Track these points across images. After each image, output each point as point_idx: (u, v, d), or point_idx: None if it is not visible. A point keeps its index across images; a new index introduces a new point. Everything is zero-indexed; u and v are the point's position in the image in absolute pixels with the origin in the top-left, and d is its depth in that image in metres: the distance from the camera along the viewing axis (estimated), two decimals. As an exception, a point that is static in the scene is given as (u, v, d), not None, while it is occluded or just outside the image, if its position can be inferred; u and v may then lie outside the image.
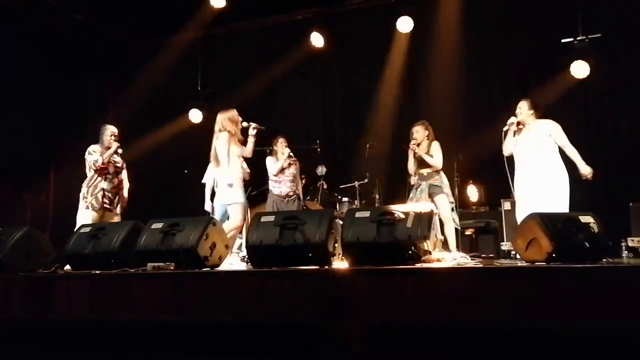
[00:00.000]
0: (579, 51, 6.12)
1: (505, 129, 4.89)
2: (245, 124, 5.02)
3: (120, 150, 5.52)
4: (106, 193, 5.39)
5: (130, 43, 8.16)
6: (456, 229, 5.26)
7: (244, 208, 4.93)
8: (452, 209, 5.24)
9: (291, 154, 6.23)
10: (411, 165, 5.41)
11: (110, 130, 5.56)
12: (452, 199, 5.30)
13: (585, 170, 4.66)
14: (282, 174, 6.24)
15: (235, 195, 4.88)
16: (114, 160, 5.49)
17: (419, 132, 5.43)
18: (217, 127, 5.03)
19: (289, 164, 6.27)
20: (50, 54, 6.98)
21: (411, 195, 5.38)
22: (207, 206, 6.17)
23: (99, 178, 5.40)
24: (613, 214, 4.96)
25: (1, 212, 5.99)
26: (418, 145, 5.39)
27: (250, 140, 4.96)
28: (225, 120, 5.01)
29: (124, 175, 5.66)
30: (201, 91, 7.70)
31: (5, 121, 6.36)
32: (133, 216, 4.20)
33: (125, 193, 5.65)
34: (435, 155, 5.31)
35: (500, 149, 4.94)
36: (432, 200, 5.16)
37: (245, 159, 5.29)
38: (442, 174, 5.35)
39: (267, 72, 7.50)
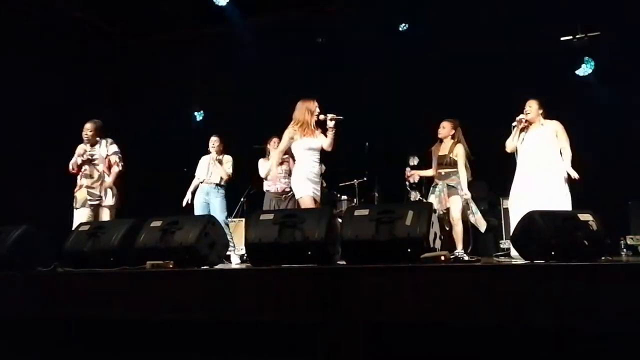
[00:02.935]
0: (579, 49, 6.12)
1: (513, 124, 4.89)
2: (322, 116, 4.74)
3: (88, 148, 5.40)
4: (89, 190, 5.32)
5: (130, 41, 8.15)
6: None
7: (312, 200, 4.59)
8: (473, 211, 5.16)
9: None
10: (431, 168, 5.35)
11: (85, 126, 5.48)
12: (471, 202, 5.18)
13: (569, 170, 4.68)
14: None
15: (301, 188, 4.61)
16: (90, 155, 5.40)
17: (446, 128, 5.35)
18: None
19: (281, 162, 6.21)
20: (49, 53, 6.96)
21: (435, 193, 5.28)
22: (185, 199, 6.14)
23: (80, 175, 5.39)
24: (612, 212, 4.96)
25: (0, 210, 5.98)
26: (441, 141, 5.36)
27: (330, 133, 4.67)
28: (302, 109, 4.71)
29: (113, 160, 5.47)
30: (199, 89, 7.71)
31: (4, 119, 6.35)
32: (132, 214, 4.19)
33: (113, 176, 5.43)
34: (461, 158, 5.21)
35: (500, 147, 4.95)
36: (448, 200, 5.09)
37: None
38: (460, 175, 5.21)
39: (265, 70, 7.49)
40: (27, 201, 6.20)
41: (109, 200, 5.38)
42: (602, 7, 6.15)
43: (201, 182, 6.12)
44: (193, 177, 6.25)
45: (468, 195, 5.12)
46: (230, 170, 6.12)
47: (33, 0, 6.78)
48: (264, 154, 6.39)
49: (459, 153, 5.21)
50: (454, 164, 5.19)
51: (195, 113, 7.63)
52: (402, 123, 6.85)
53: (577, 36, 6.13)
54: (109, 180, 5.41)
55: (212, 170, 6.10)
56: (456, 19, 6.79)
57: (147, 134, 7.77)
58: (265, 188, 6.28)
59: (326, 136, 4.69)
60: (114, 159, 5.47)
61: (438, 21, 6.88)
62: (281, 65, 7.43)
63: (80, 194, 5.35)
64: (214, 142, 6.18)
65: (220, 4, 6.90)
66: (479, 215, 5.18)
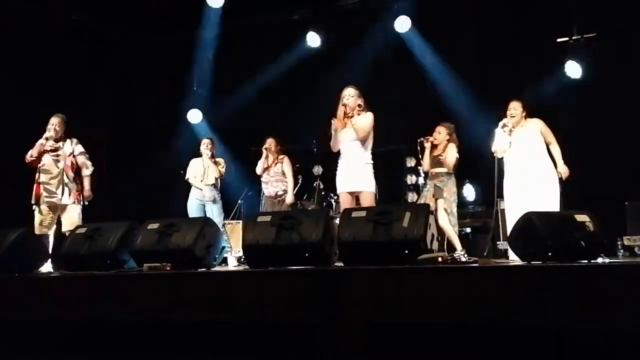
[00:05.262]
0: (574, 50, 6.14)
1: (500, 125, 4.94)
2: (342, 106, 4.65)
3: (49, 140, 5.08)
4: (45, 186, 5.05)
5: (130, 42, 8.14)
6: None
7: (372, 197, 4.57)
8: (450, 213, 5.26)
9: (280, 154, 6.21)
10: (426, 161, 5.40)
11: (50, 121, 5.19)
12: (452, 204, 5.29)
13: (563, 169, 4.78)
14: (268, 174, 6.21)
15: (361, 182, 4.59)
16: (50, 148, 5.10)
17: (441, 133, 5.41)
18: None
19: (275, 162, 6.22)
20: (48, 53, 6.96)
21: (423, 193, 5.43)
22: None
23: (38, 170, 5.12)
24: (609, 213, 4.97)
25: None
26: (434, 145, 5.41)
27: (349, 122, 4.58)
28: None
29: (81, 161, 5.20)
30: (197, 91, 7.71)
31: (4, 120, 6.33)
32: (128, 217, 4.18)
33: (87, 182, 5.20)
34: (449, 156, 5.31)
35: (488, 151, 5.02)
36: (436, 201, 5.19)
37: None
38: (451, 176, 5.36)
39: (264, 72, 7.50)
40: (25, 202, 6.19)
41: (66, 199, 5.09)
42: (598, 9, 6.17)
43: (196, 185, 6.14)
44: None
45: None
46: (223, 171, 6.15)
47: (33, 0, 6.77)
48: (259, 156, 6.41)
49: (450, 151, 5.32)
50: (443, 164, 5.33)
51: (193, 114, 7.62)
52: (400, 125, 6.85)
53: (573, 37, 6.14)
54: (87, 189, 5.17)
55: (208, 171, 6.11)
56: (455, 19, 6.80)
57: (144, 135, 7.77)
58: (262, 190, 6.31)
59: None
60: (82, 159, 5.18)
61: (437, 21, 6.90)
62: (280, 67, 7.44)
63: (36, 191, 5.07)
64: (207, 144, 6.20)
65: (214, 7, 6.91)
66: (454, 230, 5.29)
